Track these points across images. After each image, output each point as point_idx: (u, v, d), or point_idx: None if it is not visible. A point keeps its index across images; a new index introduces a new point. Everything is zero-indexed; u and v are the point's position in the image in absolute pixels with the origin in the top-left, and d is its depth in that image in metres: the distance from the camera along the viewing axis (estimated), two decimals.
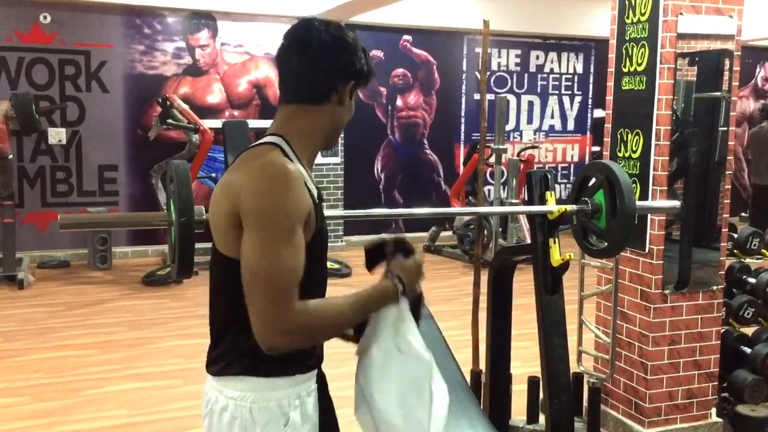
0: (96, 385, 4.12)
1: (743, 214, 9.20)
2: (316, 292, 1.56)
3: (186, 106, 6.99)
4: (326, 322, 1.51)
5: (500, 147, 6.94)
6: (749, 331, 3.85)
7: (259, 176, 1.46)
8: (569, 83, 9.34)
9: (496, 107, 6.85)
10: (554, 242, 2.59)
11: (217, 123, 7.20)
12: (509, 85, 9.02)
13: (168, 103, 6.87)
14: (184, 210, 2.05)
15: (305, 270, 1.47)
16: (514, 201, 7.01)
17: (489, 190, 8.27)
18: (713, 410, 3.51)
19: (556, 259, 2.57)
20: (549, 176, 2.68)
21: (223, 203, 1.50)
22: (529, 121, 9.19)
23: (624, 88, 3.43)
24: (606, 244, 2.62)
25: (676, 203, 2.94)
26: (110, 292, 6.17)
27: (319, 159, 7.88)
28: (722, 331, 3.56)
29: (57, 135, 7.20)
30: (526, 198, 2.87)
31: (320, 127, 1.62)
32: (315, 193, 1.57)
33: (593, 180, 2.64)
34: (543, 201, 2.66)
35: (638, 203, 2.67)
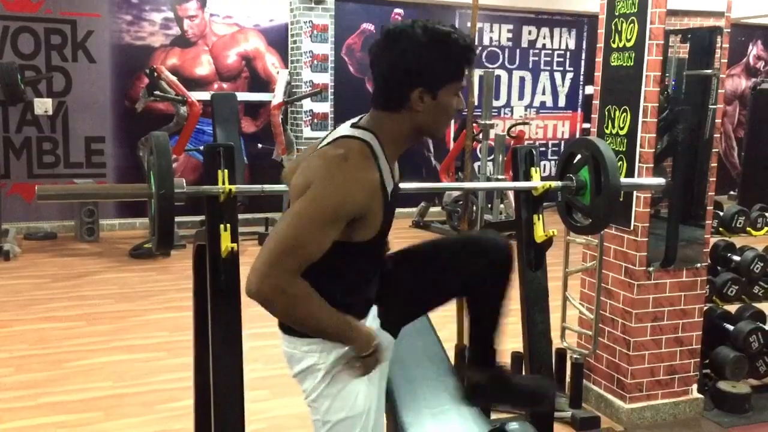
0: (81, 356, 4.12)
1: (731, 192, 9.23)
2: (362, 288, 1.75)
3: (174, 78, 6.92)
4: (302, 314, 1.61)
5: (487, 123, 6.89)
6: (732, 308, 3.88)
7: (329, 167, 1.58)
8: (561, 59, 9.29)
9: (484, 82, 6.80)
10: (538, 218, 2.59)
11: (205, 95, 7.14)
12: (501, 60, 8.96)
13: (155, 74, 6.79)
14: (164, 182, 2.03)
15: (357, 264, 1.68)
16: (500, 177, 6.99)
17: (478, 166, 8.25)
18: (694, 386, 3.54)
19: (539, 235, 2.57)
20: (534, 152, 2.67)
21: (302, 179, 1.62)
22: (521, 97, 9.16)
23: (612, 64, 3.41)
24: (590, 221, 2.62)
25: (662, 180, 2.93)
26: (97, 265, 6.15)
27: (309, 133, 7.84)
28: (705, 308, 3.58)
29: (43, 105, 7.12)
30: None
31: (402, 133, 1.69)
32: (389, 194, 1.67)
33: (579, 156, 2.63)
34: (528, 177, 2.65)
35: (623, 180, 2.66)
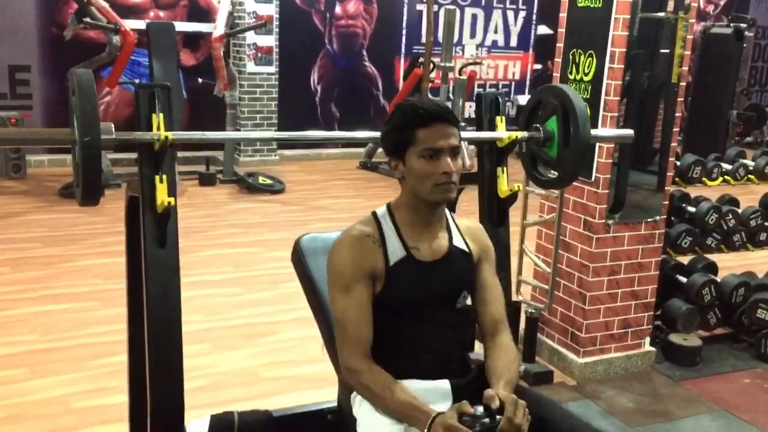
0: (6, 306, 3.84)
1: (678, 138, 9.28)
2: (395, 343, 1.76)
3: (105, 4, 6.40)
4: (368, 394, 1.71)
5: (447, 65, 6.61)
6: (685, 260, 3.85)
7: (335, 243, 1.81)
8: None
9: (444, 21, 6.53)
10: (503, 171, 2.42)
11: (140, 24, 6.66)
12: None
13: None
14: (88, 128, 1.77)
15: (378, 320, 1.74)
16: (460, 123, 6.79)
17: None
18: (647, 339, 3.51)
19: (503, 189, 2.40)
20: (500, 99, 2.48)
21: None
22: (472, 35, 8.90)
23: (579, 5, 3.22)
24: (557, 174, 2.47)
25: (630, 132, 2.78)
26: (24, 204, 5.77)
27: (252, 68, 7.46)
28: (659, 260, 3.52)
29: None
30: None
31: (407, 199, 1.84)
32: (396, 252, 1.78)
33: (546, 105, 2.45)
34: (492, 126, 2.46)
35: (591, 132, 2.51)
